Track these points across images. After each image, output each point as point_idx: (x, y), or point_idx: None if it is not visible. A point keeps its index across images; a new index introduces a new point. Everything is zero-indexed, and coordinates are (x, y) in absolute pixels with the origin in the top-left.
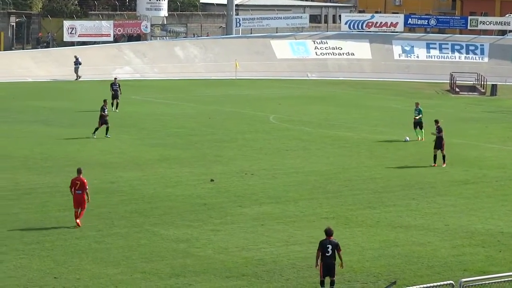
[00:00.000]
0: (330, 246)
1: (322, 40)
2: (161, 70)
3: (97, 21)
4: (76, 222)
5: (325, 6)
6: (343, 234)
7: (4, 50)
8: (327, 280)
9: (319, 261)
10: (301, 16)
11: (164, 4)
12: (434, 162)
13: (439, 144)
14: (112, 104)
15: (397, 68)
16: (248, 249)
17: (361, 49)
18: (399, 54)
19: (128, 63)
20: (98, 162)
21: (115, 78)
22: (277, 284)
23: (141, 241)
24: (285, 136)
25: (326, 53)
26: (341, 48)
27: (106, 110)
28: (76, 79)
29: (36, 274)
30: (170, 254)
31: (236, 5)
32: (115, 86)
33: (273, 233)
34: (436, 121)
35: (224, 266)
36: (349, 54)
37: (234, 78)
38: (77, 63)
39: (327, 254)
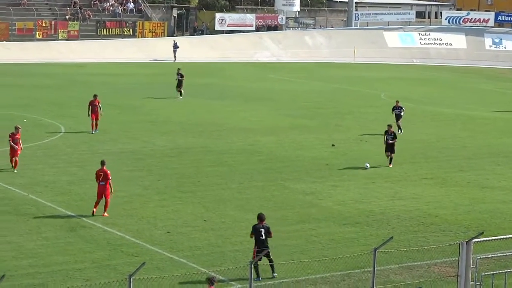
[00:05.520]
0: (263, 230)
1: (426, 32)
2: (293, 54)
3: (242, 14)
4: (93, 211)
5: (429, 4)
6: (440, 192)
7: (168, 36)
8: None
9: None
10: (409, 12)
11: (297, 1)
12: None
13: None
14: (181, 93)
15: (488, 57)
16: (361, 202)
17: (458, 41)
18: (489, 45)
19: (267, 49)
20: (241, 128)
21: (178, 69)
22: (384, 231)
23: (275, 193)
24: None
25: (429, 43)
26: (441, 39)
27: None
28: (175, 61)
29: (189, 217)
30: (298, 204)
31: (356, 2)
32: (178, 76)
33: (382, 190)
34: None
35: (341, 215)
36: (447, 44)
37: (353, 62)
38: (175, 46)
39: (261, 238)
